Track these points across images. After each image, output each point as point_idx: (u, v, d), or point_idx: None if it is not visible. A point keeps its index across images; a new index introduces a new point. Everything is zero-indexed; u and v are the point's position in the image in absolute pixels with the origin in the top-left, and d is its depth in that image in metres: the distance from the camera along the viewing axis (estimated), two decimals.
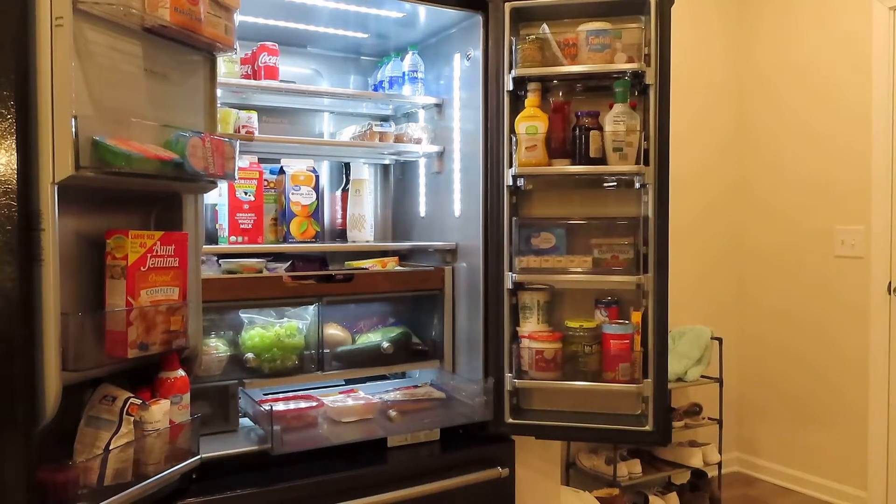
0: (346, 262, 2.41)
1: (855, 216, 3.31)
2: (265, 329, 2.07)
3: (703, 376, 3.35)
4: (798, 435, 3.57)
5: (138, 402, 1.46)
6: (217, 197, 2.18)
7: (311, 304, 2.14)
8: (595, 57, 2.16)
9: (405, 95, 2.42)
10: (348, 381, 2.29)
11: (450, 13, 2.21)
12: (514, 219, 2.17)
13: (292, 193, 2.29)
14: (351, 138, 2.41)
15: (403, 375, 2.46)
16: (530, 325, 2.19)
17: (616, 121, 2.14)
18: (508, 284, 2.16)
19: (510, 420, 2.16)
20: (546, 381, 2.13)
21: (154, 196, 1.63)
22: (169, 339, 1.53)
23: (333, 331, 2.22)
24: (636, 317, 2.15)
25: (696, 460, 3.26)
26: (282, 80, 2.25)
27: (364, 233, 2.44)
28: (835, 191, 3.40)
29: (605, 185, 2.29)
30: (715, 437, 3.38)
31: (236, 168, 1.66)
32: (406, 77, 2.42)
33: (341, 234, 2.53)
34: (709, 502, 3.20)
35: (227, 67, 2.12)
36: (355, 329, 2.32)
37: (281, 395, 2.11)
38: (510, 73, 2.15)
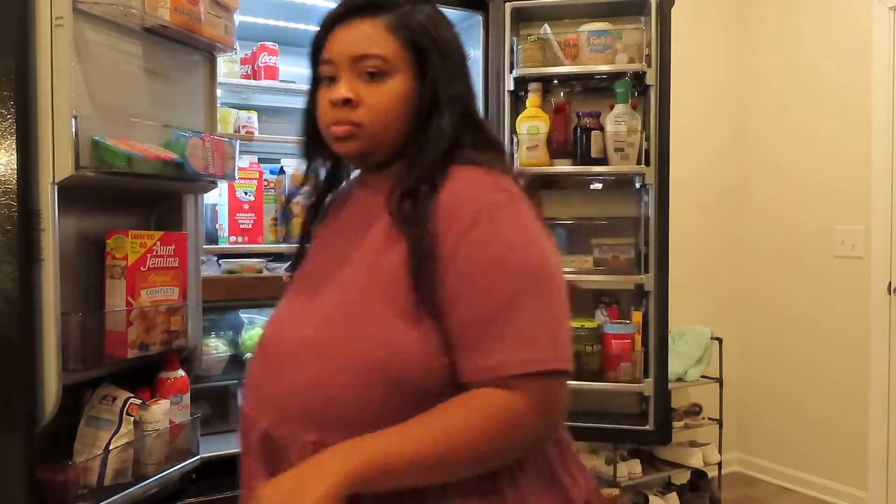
0: None
1: (855, 216, 3.31)
2: None
3: (703, 376, 3.35)
4: (798, 435, 3.57)
5: (138, 402, 1.46)
6: (217, 197, 2.18)
7: None
8: (596, 57, 2.16)
9: None
10: None
11: (450, 13, 2.18)
12: None
13: None
14: None
15: None
16: None
17: (617, 121, 2.14)
18: None
19: None
20: None
21: (154, 196, 1.63)
22: (169, 339, 1.52)
23: None
24: (637, 317, 2.15)
25: (696, 460, 3.25)
26: (282, 80, 2.25)
27: None
28: (834, 191, 3.39)
29: (605, 185, 2.29)
30: (715, 438, 3.37)
31: (236, 168, 1.66)
32: None
33: None
34: (709, 502, 3.19)
35: (227, 67, 2.12)
36: None
37: None
38: (511, 73, 2.15)
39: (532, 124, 2.14)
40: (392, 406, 0.82)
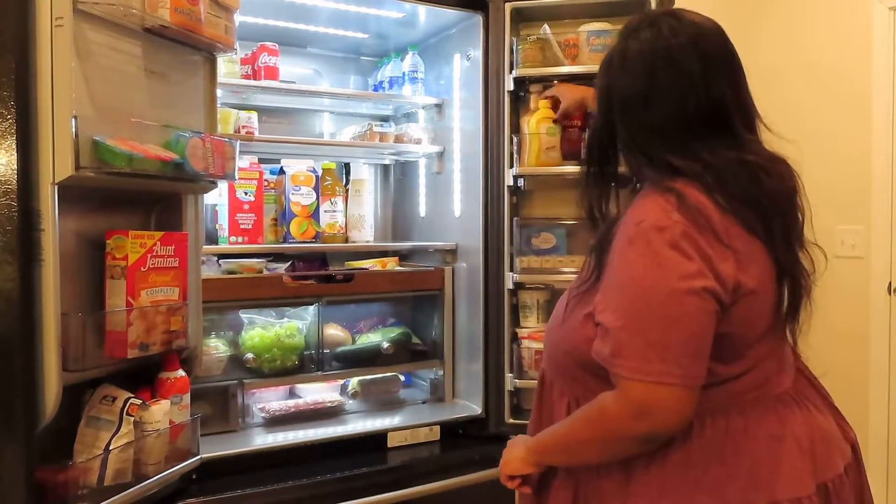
0: (346, 263, 2.41)
1: (855, 216, 3.31)
2: (265, 329, 2.07)
3: None
4: None
5: (138, 402, 1.46)
6: (217, 197, 2.18)
7: (311, 304, 2.14)
8: (596, 57, 2.15)
9: (405, 96, 2.41)
10: None
11: (450, 13, 2.21)
12: (514, 219, 2.17)
13: (292, 194, 2.29)
14: (351, 138, 2.41)
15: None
16: (530, 324, 2.19)
17: None
18: (509, 284, 2.15)
19: (510, 420, 2.16)
20: None
21: (154, 196, 1.63)
22: (169, 339, 1.52)
23: (333, 331, 2.22)
24: None
25: None
26: (282, 80, 2.24)
27: (364, 233, 2.44)
28: (834, 191, 3.39)
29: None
30: None
31: (236, 168, 1.66)
32: (406, 77, 2.41)
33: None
34: None
35: (227, 67, 2.12)
36: (355, 329, 2.32)
37: None
38: (511, 73, 2.15)
39: (550, 125, 2.13)
40: (578, 367, 1.12)
